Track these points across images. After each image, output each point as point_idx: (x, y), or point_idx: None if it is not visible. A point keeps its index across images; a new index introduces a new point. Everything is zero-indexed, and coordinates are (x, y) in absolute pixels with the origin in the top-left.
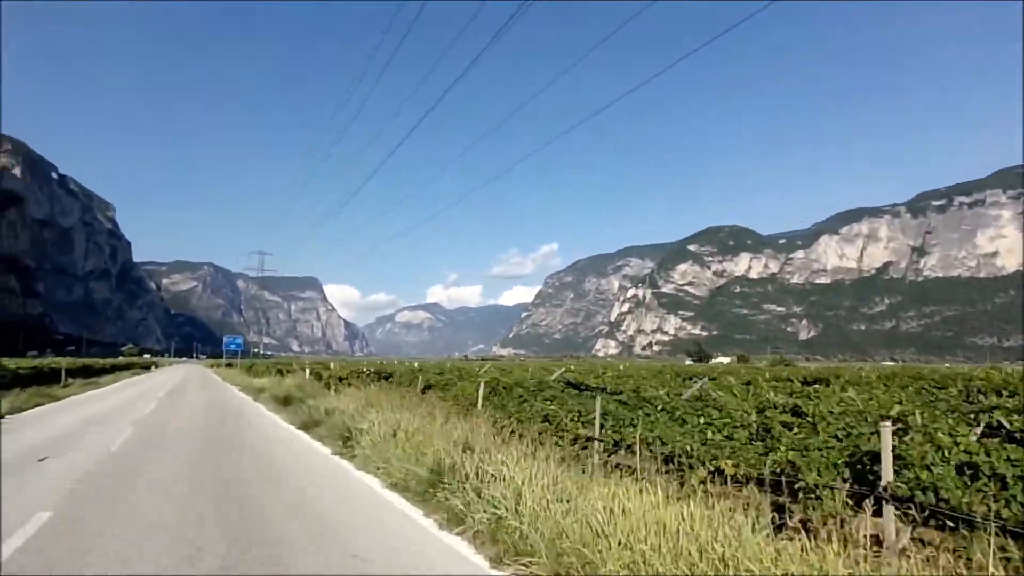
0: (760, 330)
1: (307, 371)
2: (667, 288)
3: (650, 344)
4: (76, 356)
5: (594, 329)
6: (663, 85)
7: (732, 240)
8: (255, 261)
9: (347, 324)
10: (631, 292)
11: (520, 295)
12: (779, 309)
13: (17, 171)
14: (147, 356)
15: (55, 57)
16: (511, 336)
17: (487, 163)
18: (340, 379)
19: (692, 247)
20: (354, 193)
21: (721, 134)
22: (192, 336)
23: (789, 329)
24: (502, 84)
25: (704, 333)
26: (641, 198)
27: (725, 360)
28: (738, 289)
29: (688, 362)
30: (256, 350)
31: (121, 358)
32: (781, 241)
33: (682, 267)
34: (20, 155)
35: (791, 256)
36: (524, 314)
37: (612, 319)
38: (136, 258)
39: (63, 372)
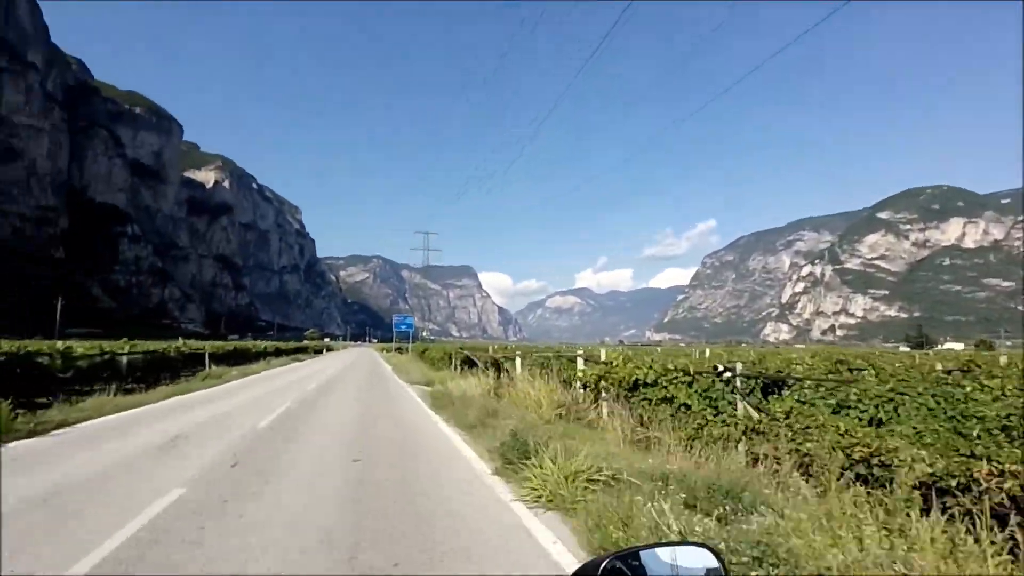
0: (980, 310)
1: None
2: (852, 263)
3: (832, 328)
4: (272, 339)
5: (761, 312)
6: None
7: (937, 203)
8: (420, 246)
9: (500, 310)
10: (806, 270)
11: (674, 277)
12: (1006, 284)
13: (227, 183)
14: (327, 340)
15: (247, 83)
16: (666, 320)
17: (636, 133)
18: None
19: (884, 214)
20: (503, 180)
21: (915, 76)
22: (365, 322)
23: (1021, 308)
24: (646, 58)
25: (903, 315)
26: (817, 163)
27: (957, 346)
28: (947, 261)
29: (903, 348)
30: (424, 333)
31: (305, 341)
32: (1005, 201)
33: (871, 238)
34: (228, 170)
35: (1020, 219)
36: (680, 297)
37: (783, 300)
38: (319, 254)
39: (206, 358)
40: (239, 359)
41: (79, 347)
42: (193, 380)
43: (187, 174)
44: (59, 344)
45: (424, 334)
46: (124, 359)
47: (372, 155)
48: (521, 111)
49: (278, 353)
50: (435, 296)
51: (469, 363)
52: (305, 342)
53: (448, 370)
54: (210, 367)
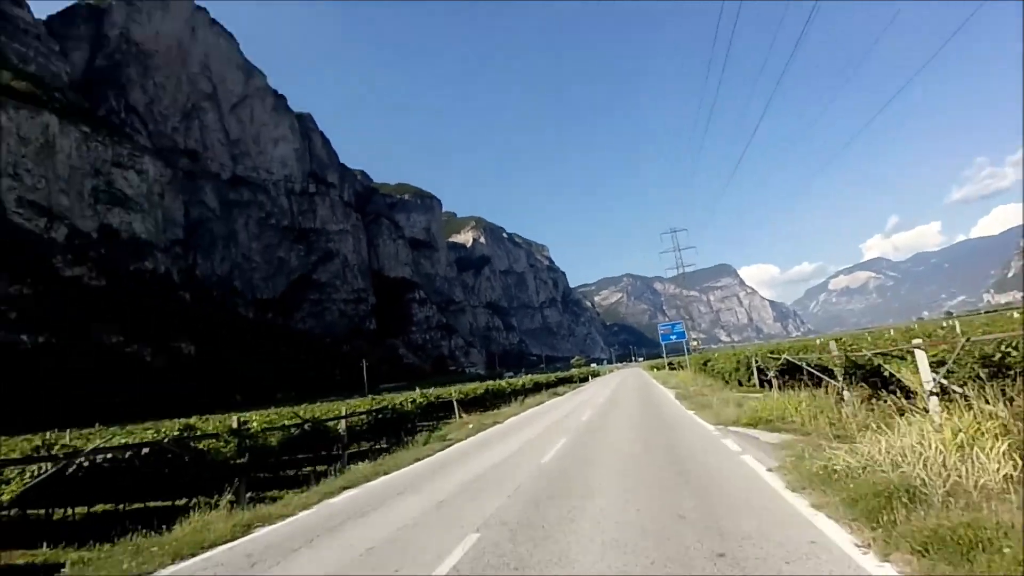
0: None
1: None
2: None
3: None
4: (542, 371)
5: None
6: None
7: None
8: (670, 247)
9: (773, 304)
10: None
11: (1006, 217)
12: None
13: (482, 239)
14: (592, 365)
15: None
16: (1010, 275)
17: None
18: None
19: None
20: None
21: None
22: (627, 342)
23: None
24: None
25: None
26: None
27: None
28: None
29: None
30: (695, 343)
31: (572, 370)
32: None
33: None
34: (482, 227)
35: None
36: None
37: None
38: (571, 284)
39: (455, 406)
40: (492, 400)
41: (344, 405)
42: (425, 441)
43: (451, 239)
44: (309, 409)
45: (695, 343)
46: (342, 423)
47: (606, 180)
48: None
49: (536, 388)
50: (694, 303)
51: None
52: (572, 371)
53: (766, 391)
54: (459, 414)
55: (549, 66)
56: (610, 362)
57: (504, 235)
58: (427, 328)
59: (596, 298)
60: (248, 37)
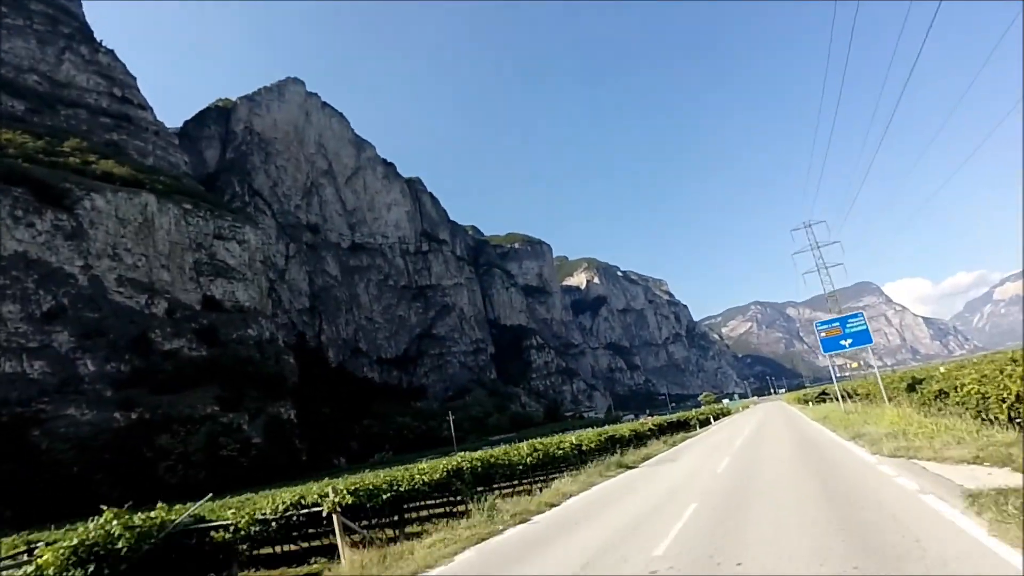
0: None
1: None
2: None
3: None
4: (672, 411)
5: None
6: None
7: None
8: (806, 248)
9: (928, 321)
10: None
11: None
12: None
13: (596, 279)
14: (724, 402)
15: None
16: None
17: None
18: None
19: None
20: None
21: None
22: (764, 373)
23: None
24: None
25: None
26: None
27: None
28: None
29: None
30: (847, 374)
31: (702, 408)
32: None
33: None
34: (595, 268)
35: None
36: None
37: None
38: (695, 317)
39: (493, 484)
40: (570, 462)
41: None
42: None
43: (565, 282)
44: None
45: (847, 374)
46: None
47: (721, 207)
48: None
49: (637, 439)
50: None
51: None
52: (702, 409)
53: None
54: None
55: (654, 92)
56: (744, 396)
57: (619, 273)
58: (547, 374)
59: (724, 329)
60: (356, 111)
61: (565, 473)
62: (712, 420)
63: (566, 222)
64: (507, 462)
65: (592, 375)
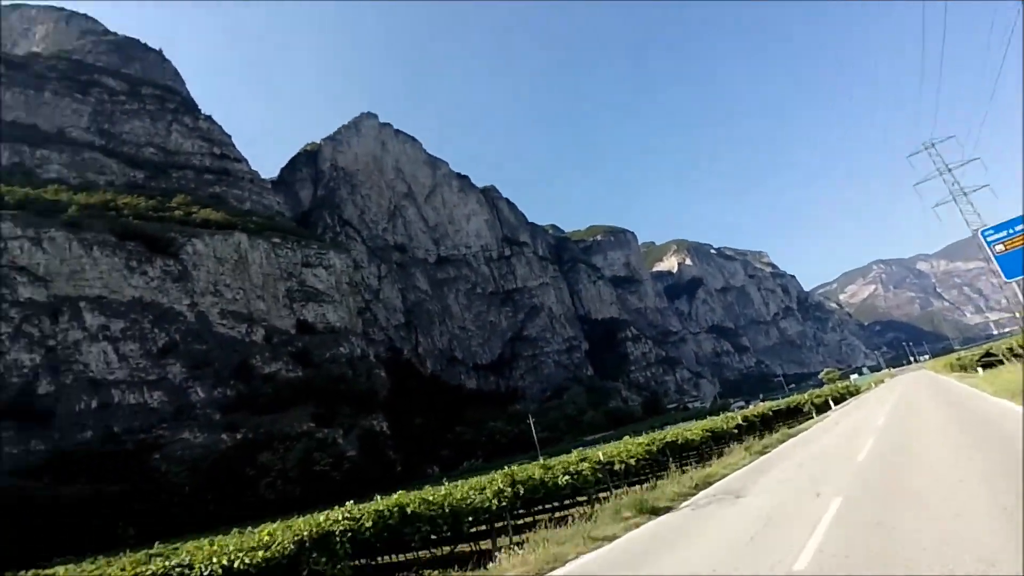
0: None
1: None
2: None
3: None
4: (790, 393)
5: None
6: None
7: None
8: (933, 175)
9: None
10: None
11: None
12: None
13: (688, 261)
14: (852, 378)
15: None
16: None
17: None
18: None
19: None
20: None
21: None
22: (897, 340)
23: None
24: None
25: None
26: None
27: None
28: None
29: None
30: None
31: (826, 386)
32: None
33: None
34: (685, 249)
35: None
36: None
37: None
38: (806, 287)
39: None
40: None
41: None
42: None
43: (655, 268)
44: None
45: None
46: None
47: (820, 161)
48: None
49: (713, 440)
50: (983, 276)
51: None
52: (822, 389)
53: None
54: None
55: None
56: (876, 368)
57: (712, 251)
58: (646, 365)
59: (841, 296)
60: (426, 132)
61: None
62: (831, 404)
63: (648, 206)
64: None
65: (696, 362)
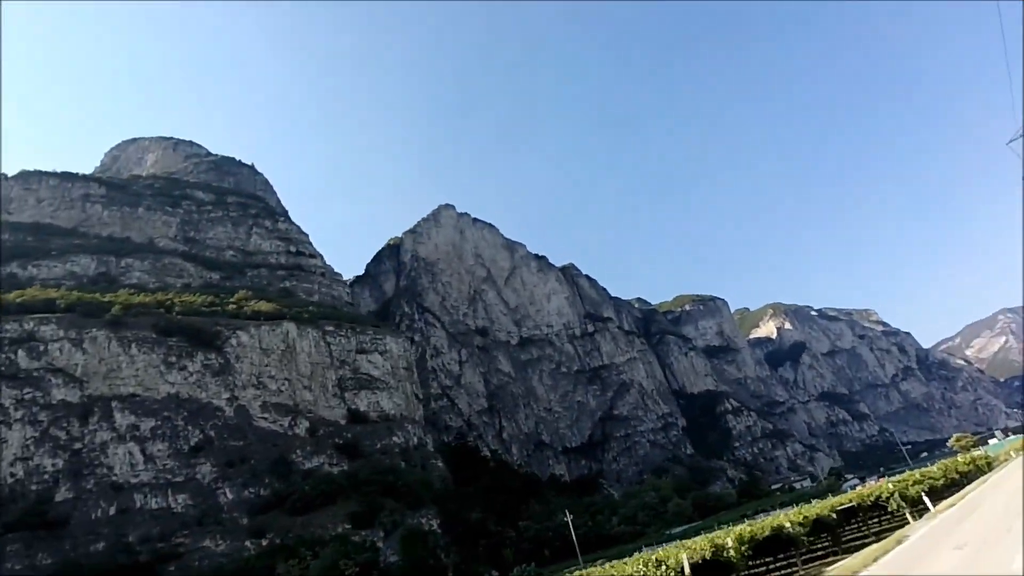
0: None
1: None
2: None
3: None
4: (920, 463)
5: None
6: None
7: None
8: None
9: None
10: None
11: None
12: None
13: (787, 324)
14: (991, 443)
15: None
16: None
17: None
18: None
19: None
20: None
21: None
22: None
23: None
24: None
25: None
26: None
27: None
28: None
29: None
30: None
31: (957, 457)
32: None
33: None
34: (782, 312)
35: None
36: None
37: None
38: (924, 344)
39: None
40: None
41: None
42: None
43: (752, 335)
44: None
45: None
46: None
47: (926, 214)
48: None
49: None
50: None
51: None
52: (956, 458)
53: None
54: None
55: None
56: (1020, 431)
57: (813, 312)
58: (751, 440)
59: (968, 352)
60: (502, 216)
61: None
62: (927, 500)
63: (739, 272)
64: None
65: (809, 433)
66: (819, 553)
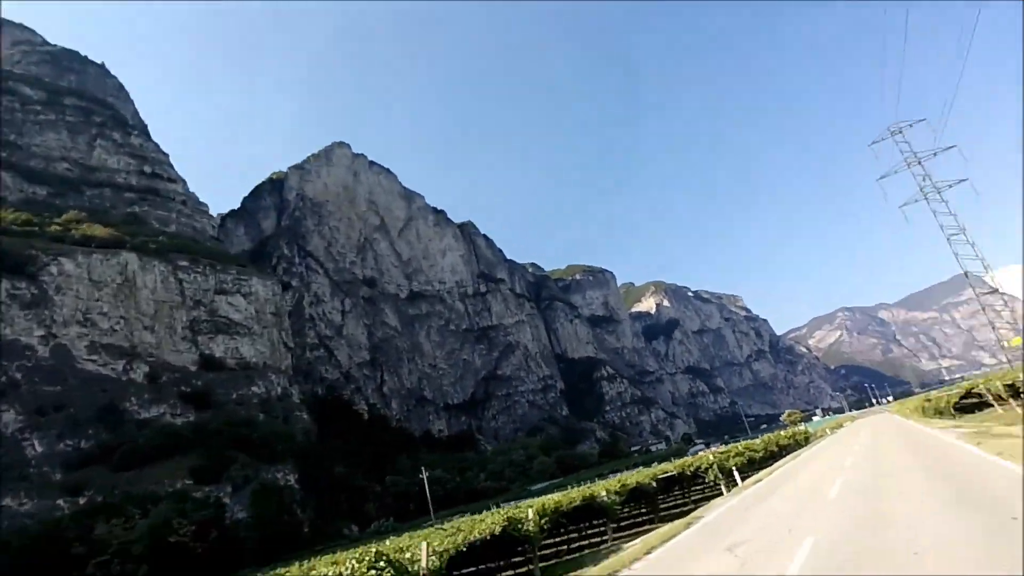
0: None
1: None
2: None
3: None
4: (748, 436)
5: None
6: None
7: None
8: (900, 167)
9: None
10: None
11: None
12: None
13: (666, 302)
14: (815, 418)
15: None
16: None
17: None
18: None
19: None
20: None
21: None
22: (861, 383)
23: None
24: None
25: None
26: None
27: None
28: None
29: None
30: (946, 378)
31: (776, 432)
32: None
33: None
34: (663, 291)
35: None
36: None
37: None
38: (777, 331)
39: None
40: None
41: None
42: None
43: (633, 309)
44: None
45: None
46: None
47: (794, 210)
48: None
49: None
50: (936, 326)
51: None
52: (773, 435)
53: None
54: None
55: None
56: (840, 411)
57: (689, 294)
58: (621, 405)
59: (811, 341)
60: (402, 164)
61: None
62: (736, 474)
63: (628, 248)
64: None
65: (672, 402)
66: (639, 521)
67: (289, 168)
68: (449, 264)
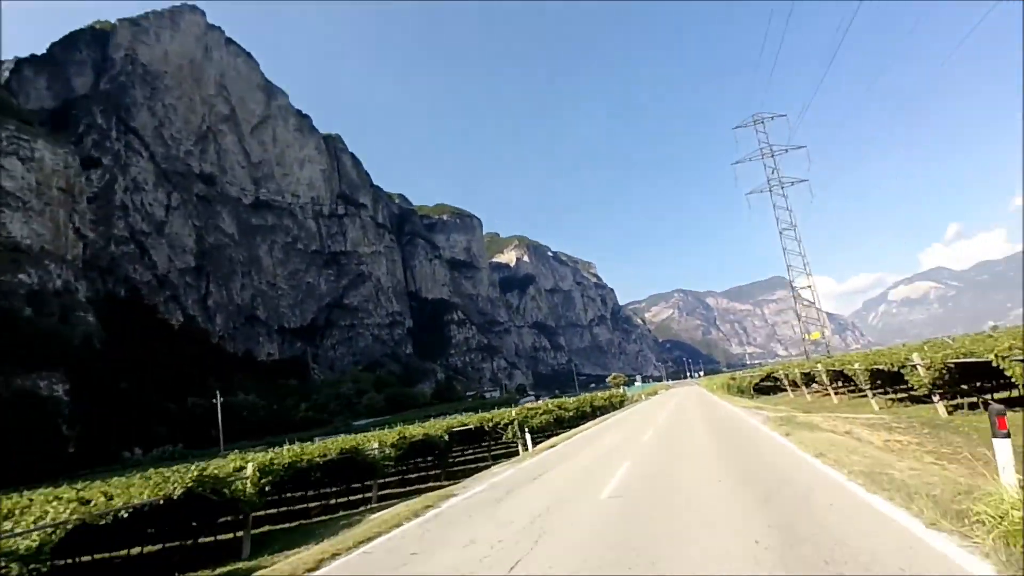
0: None
1: None
2: None
3: None
4: (577, 393)
5: None
6: None
7: None
8: (755, 156)
9: (831, 316)
10: None
11: None
12: None
13: (526, 258)
14: (637, 383)
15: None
16: None
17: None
18: None
19: None
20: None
21: None
22: (680, 358)
23: None
24: None
25: None
26: None
27: None
28: None
29: None
30: (757, 361)
31: (612, 390)
32: None
33: None
34: (525, 246)
35: None
36: None
37: None
38: (621, 301)
39: None
40: None
41: None
42: None
43: (494, 259)
44: None
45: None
46: None
47: (653, 193)
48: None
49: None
50: (748, 317)
51: None
52: (596, 393)
53: None
54: None
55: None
56: (659, 379)
57: (549, 253)
58: (466, 350)
59: (647, 315)
60: (271, 55)
61: None
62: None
63: (500, 198)
64: None
65: (515, 353)
66: (428, 475)
67: (119, 20)
68: (307, 177)
